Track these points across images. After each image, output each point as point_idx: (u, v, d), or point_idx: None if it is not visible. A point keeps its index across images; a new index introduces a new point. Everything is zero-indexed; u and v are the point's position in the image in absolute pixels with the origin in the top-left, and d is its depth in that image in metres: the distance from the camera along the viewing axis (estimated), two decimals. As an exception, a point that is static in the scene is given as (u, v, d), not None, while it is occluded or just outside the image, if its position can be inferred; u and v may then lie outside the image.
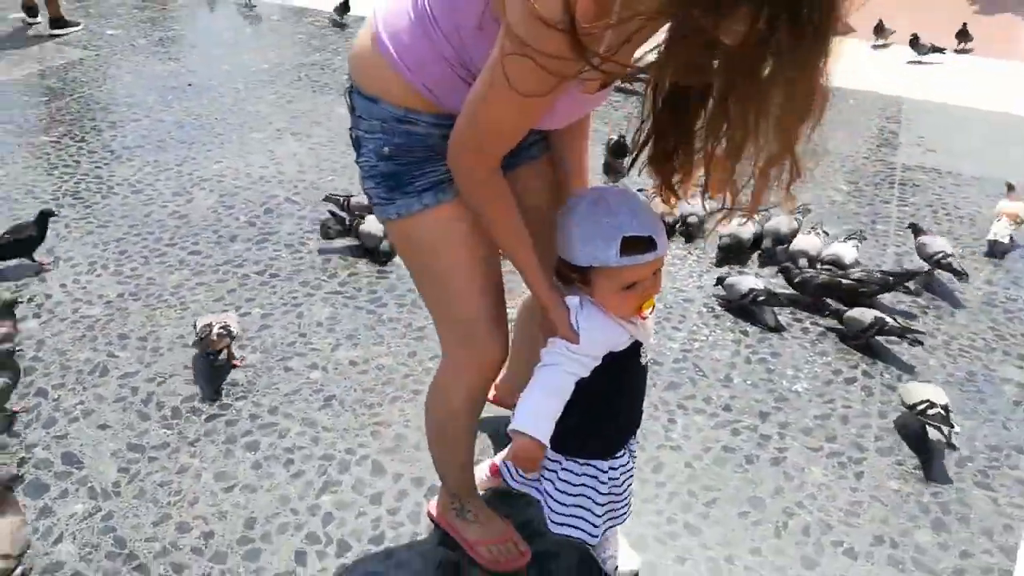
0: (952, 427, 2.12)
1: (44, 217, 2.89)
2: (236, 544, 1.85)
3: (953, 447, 2.16)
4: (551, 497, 1.60)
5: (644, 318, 1.43)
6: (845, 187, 3.71)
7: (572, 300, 1.39)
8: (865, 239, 3.16)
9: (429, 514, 1.91)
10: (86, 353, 2.46)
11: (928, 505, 2.01)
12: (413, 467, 2.07)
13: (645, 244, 1.31)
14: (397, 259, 2.98)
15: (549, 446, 1.44)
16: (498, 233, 1.36)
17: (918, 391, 2.22)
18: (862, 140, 4.24)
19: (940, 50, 5.46)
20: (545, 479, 1.60)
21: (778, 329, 2.66)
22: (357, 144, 1.42)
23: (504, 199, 1.32)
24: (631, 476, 1.63)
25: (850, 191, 3.68)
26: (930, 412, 2.14)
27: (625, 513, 1.65)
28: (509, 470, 1.69)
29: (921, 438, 2.20)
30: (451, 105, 1.28)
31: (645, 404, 1.63)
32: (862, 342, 2.56)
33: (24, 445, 2.10)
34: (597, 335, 1.39)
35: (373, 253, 2.97)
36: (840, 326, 2.61)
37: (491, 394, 2.02)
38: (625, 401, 1.56)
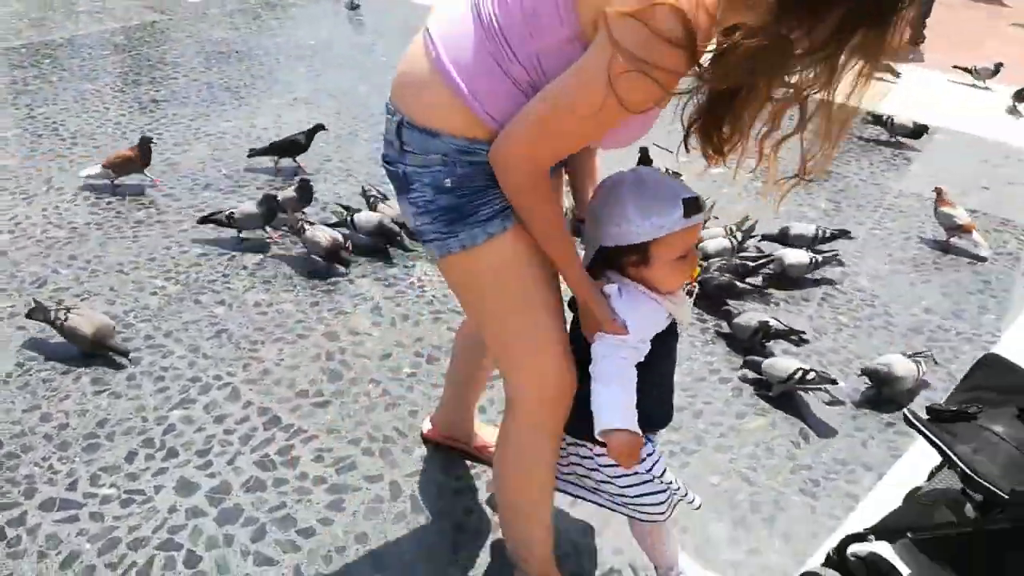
0: (835, 382, 2.28)
1: (314, 131, 3.59)
2: (83, 437, 2.07)
3: (840, 401, 2.33)
4: (607, 483, 1.56)
5: (694, 284, 1.50)
6: (824, 205, 3.63)
7: (610, 288, 1.39)
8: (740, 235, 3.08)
9: None
10: (35, 267, 2.76)
11: (740, 502, 2.00)
12: (265, 399, 2.24)
13: (698, 205, 1.35)
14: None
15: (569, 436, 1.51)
16: (542, 230, 1.33)
17: (785, 363, 2.30)
18: (869, 163, 4.11)
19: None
20: (594, 474, 1.57)
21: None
22: (404, 180, 1.34)
23: (550, 196, 1.31)
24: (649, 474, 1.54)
25: (827, 209, 3.59)
26: (808, 377, 2.25)
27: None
28: (576, 485, 1.65)
29: (799, 405, 2.33)
30: None
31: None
32: (752, 346, 2.54)
33: (-51, 332, 2.40)
34: (641, 318, 1.38)
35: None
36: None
37: (426, 428, 2.09)
38: (655, 383, 1.47)
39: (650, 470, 1.49)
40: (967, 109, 5.00)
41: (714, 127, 1.32)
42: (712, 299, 2.72)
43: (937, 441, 1.51)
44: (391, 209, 3.05)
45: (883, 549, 1.65)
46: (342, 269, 2.83)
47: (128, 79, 4.52)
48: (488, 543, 1.84)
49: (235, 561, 1.77)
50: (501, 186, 1.28)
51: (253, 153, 3.55)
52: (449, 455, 2.07)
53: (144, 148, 3.28)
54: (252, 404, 2.22)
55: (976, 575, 1.56)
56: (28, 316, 2.39)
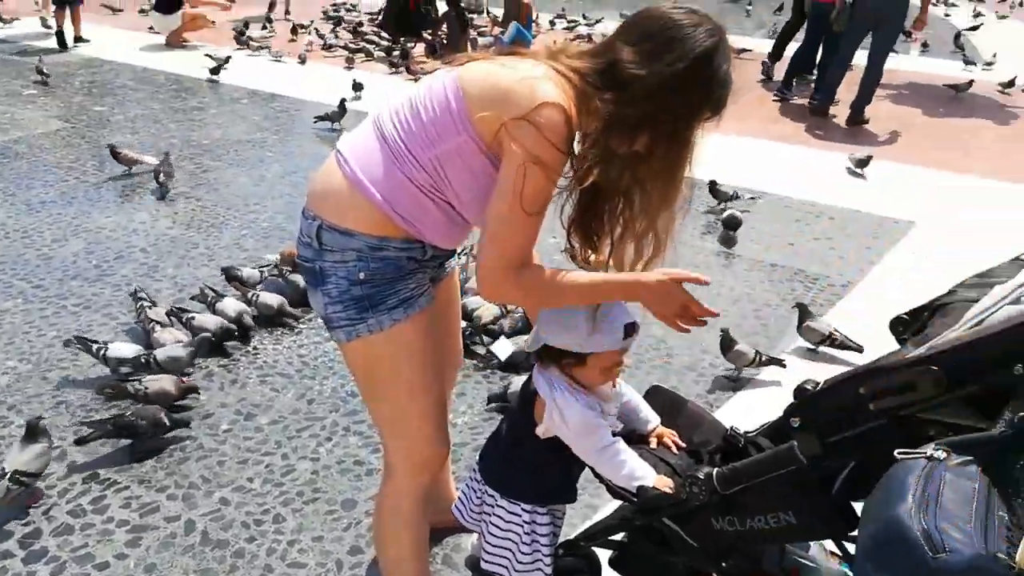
0: None
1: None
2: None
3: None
4: (488, 534, 1.78)
5: (615, 385, 1.73)
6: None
7: (538, 379, 1.64)
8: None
9: None
10: (-102, 356, 3.04)
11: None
12: (88, 457, 2.52)
13: (635, 328, 1.60)
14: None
15: (491, 488, 1.75)
16: (580, 299, 1.54)
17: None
18: (693, 227, 4.58)
19: None
20: (487, 517, 1.79)
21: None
22: (320, 274, 1.57)
23: (553, 278, 1.50)
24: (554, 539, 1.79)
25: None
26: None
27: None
28: (461, 512, 1.87)
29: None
30: (422, 228, 1.55)
31: None
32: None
33: None
34: (573, 410, 1.60)
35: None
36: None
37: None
38: (569, 464, 1.72)
39: (535, 541, 1.74)
40: (808, 176, 5.56)
41: (588, 227, 1.62)
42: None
43: None
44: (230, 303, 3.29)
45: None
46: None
47: (21, 183, 4.87)
48: (262, 565, 2.14)
49: (32, 593, 2.04)
50: (527, 304, 1.61)
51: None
52: (247, 495, 2.39)
53: None
54: (76, 462, 2.51)
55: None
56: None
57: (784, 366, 3.13)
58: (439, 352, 1.76)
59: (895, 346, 1.58)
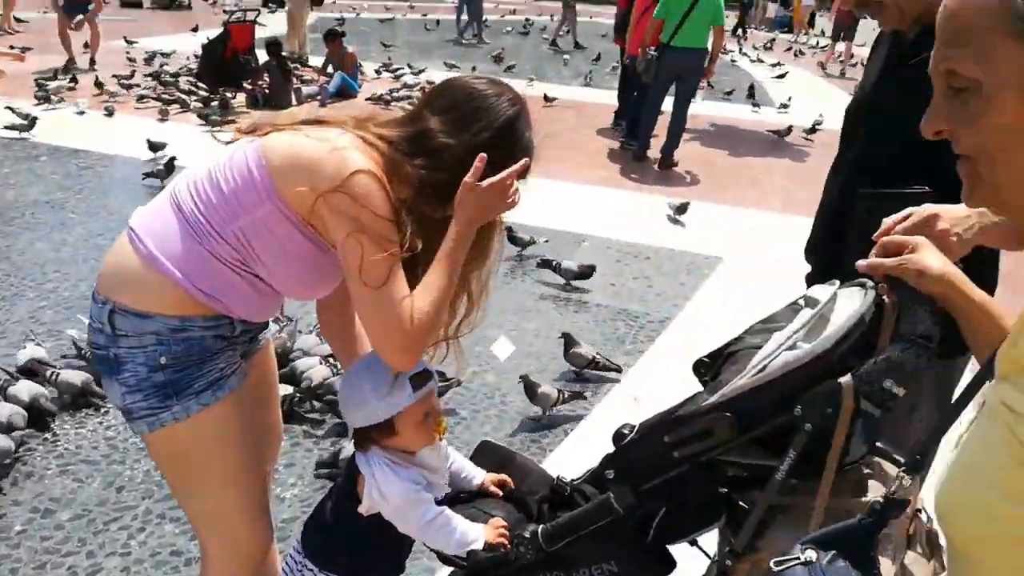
0: None
1: None
2: None
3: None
4: None
5: (442, 437, 1.63)
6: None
7: (360, 460, 1.56)
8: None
9: None
10: None
11: None
12: None
13: (425, 376, 1.53)
14: None
15: (311, 561, 1.63)
16: (452, 279, 1.47)
17: None
18: (511, 270, 4.69)
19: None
20: None
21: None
22: (115, 362, 1.46)
23: (428, 297, 1.44)
24: None
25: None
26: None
27: None
28: None
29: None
30: (228, 303, 1.47)
31: None
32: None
33: None
34: (391, 480, 1.53)
35: None
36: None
37: None
38: (399, 539, 1.65)
39: None
40: (627, 218, 5.84)
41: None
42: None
43: None
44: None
45: None
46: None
47: None
48: None
49: None
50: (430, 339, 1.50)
51: None
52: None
53: None
54: None
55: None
56: None
57: (586, 398, 3.30)
58: (257, 432, 1.68)
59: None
